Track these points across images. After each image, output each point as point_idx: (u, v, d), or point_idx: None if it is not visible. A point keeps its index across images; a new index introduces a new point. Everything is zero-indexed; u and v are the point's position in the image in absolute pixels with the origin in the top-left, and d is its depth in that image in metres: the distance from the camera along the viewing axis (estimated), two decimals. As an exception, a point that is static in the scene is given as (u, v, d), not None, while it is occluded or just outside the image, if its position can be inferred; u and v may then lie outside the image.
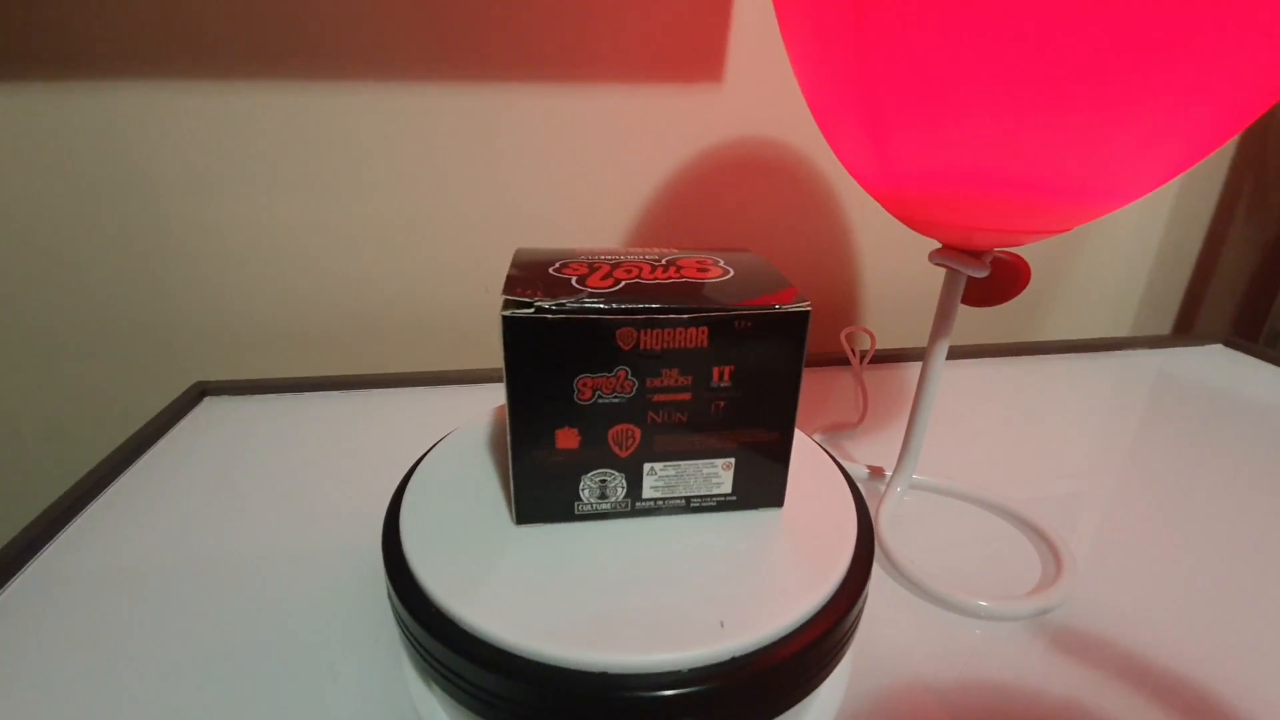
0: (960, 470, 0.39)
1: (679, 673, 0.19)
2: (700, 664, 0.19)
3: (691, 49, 0.50)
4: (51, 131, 0.45)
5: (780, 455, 0.24)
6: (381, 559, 0.23)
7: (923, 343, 0.62)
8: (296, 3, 0.44)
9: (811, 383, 0.51)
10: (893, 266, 0.61)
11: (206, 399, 0.47)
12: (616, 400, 0.22)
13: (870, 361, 0.55)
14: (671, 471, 0.24)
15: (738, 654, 0.19)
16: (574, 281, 0.22)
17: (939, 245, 0.30)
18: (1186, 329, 0.71)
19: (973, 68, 0.21)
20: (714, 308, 0.21)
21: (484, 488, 0.26)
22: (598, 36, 0.49)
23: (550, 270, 0.23)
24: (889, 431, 0.44)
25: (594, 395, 0.22)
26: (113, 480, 0.37)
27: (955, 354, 0.57)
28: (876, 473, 0.38)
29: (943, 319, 0.31)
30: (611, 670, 0.18)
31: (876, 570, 0.31)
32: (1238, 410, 0.49)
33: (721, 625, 0.20)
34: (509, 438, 0.23)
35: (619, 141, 0.52)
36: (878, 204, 0.58)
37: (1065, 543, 0.32)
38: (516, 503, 0.24)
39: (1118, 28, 0.19)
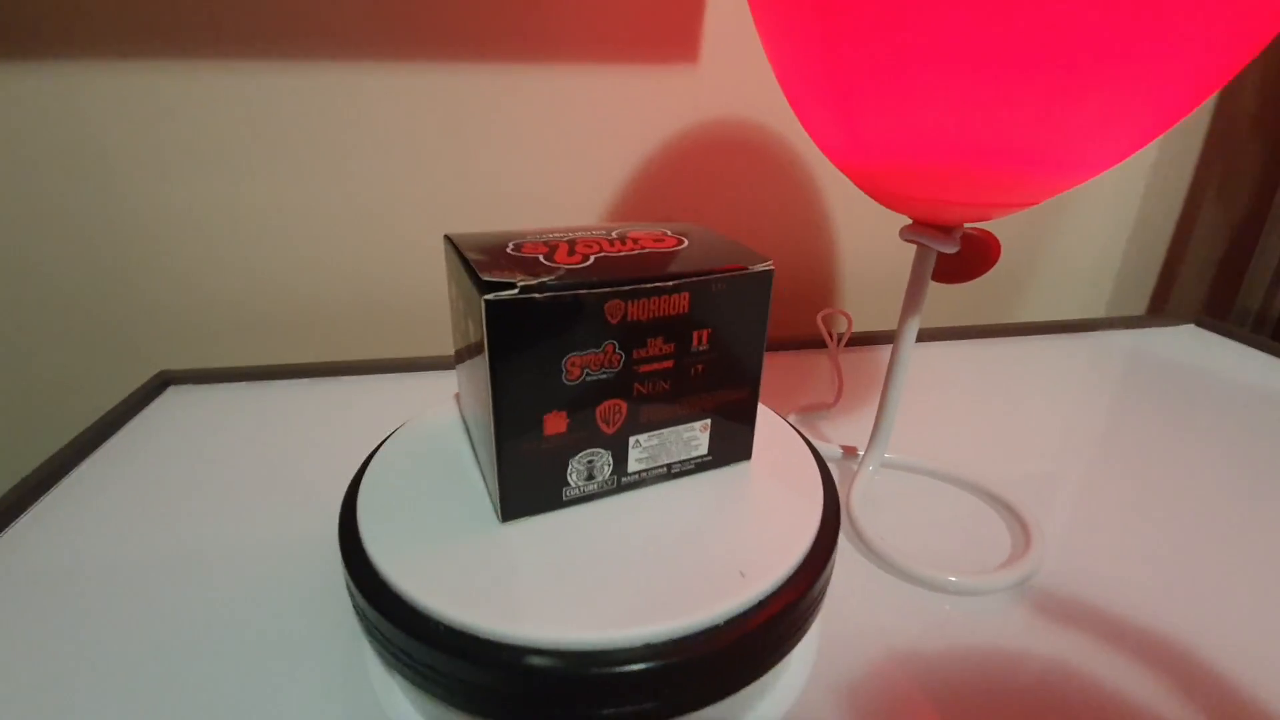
0: (934, 450, 0.39)
1: (640, 648, 0.18)
2: (662, 638, 0.18)
3: (666, 29, 0.49)
4: (4, 111, 0.43)
5: (750, 410, 0.26)
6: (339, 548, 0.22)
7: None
8: (255, -23, 0.43)
9: (788, 365, 0.51)
10: (870, 248, 0.61)
11: (170, 388, 0.46)
12: (604, 376, 0.22)
13: (847, 344, 0.54)
14: (655, 441, 0.24)
15: (699, 628, 0.19)
16: (542, 260, 0.21)
17: (910, 222, 0.30)
18: (1160, 309, 0.72)
19: (937, 34, 0.20)
20: (694, 273, 0.22)
21: (443, 475, 0.25)
22: (572, 17, 0.48)
23: (509, 251, 0.22)
24: (864, 412, 0.44)
25: (582, 374, 0.22)
26: (69, 471, 0.36)
27: (930, 336, 0.57)
28: (850, 452, 0.38)
29: (913, 296, 0.31)
30: (568, 648, 0.18)
31: (848, 549, 0.31)
32: (1209, 388, 0.49)
33: (742, 575, 0.20)
34: (493, 431, 0.21)
35: (594, 123, 0.51)
36: (853, 187, 0.57)
37: (1035, 518, 0.33)
38: (503, 500, 0.22)
39: (1080, -11, 0.18)
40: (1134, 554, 0.32)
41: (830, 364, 0.51)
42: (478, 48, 0.47)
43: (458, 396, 0.31)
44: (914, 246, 0.60)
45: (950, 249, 0.29)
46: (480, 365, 0.21)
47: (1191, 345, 0.57)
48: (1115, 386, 0.49)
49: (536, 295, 0.20)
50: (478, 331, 0.20)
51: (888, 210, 0.59)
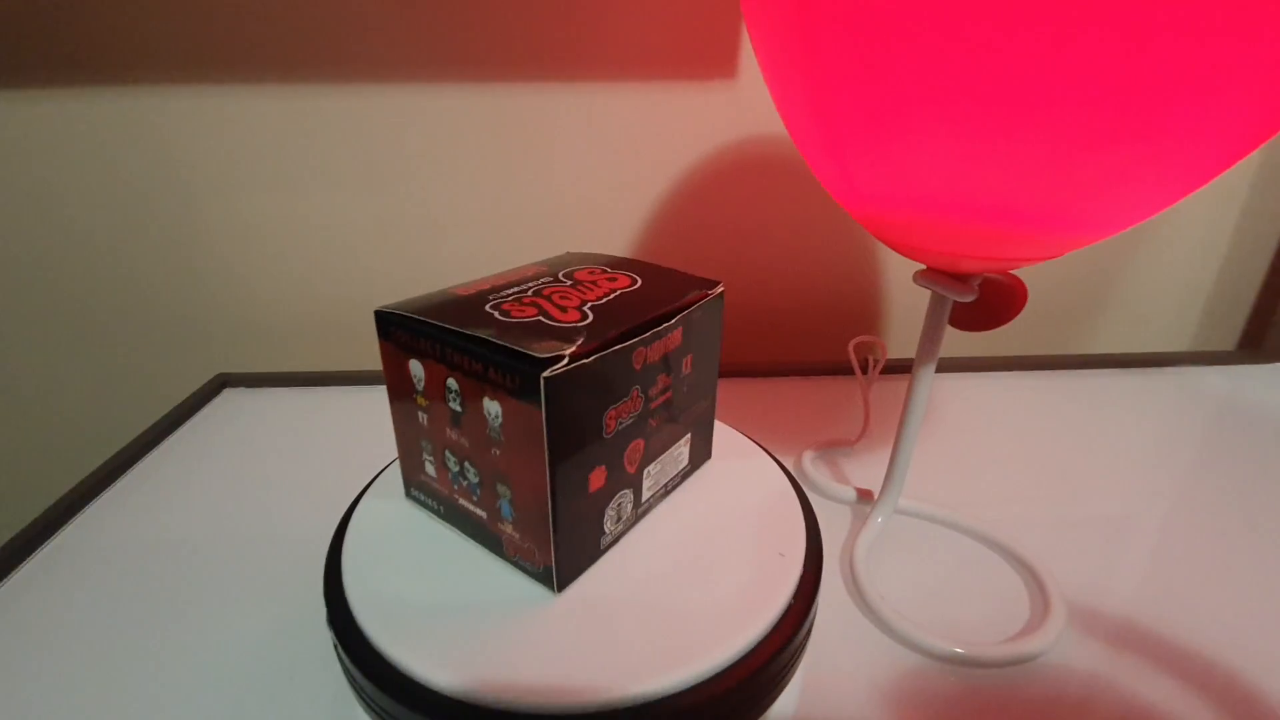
0: (962, 495, 0.37)
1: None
2: (610, 708, 0.18)
3: (704, 45, 0.49)
4: (93, 133, 0.48)
5: (711, 415, 0.29)
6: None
7: (943, 352, 0.59)
8: (318, 9, 0.45)
9: (815, 394, 0.49)
10: (907, 274, 0.58)
11: (226, 390, 0.49)
12: (630, 421, 0.23)
13: (882, 371, 0.52)
14: (659, 467, 0.26)
15: (653, 698, 0.19)
16: (547, 321, 0.21)
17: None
18: (1255, 345, 0.65)
19: (930, 80, 0.19)
20: (682, 307, 0.24)
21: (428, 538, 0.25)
22: (609, 34, 0.48)
23: (501, 318, 0.21)
24: (890, 450, 0.42)
25: (617, 424, 0.22)
26: (130, 466, 0.40)
27: (984, 365, 0.54)
28: (865, 495, 0.36)
29: (928, 343, 0.29)
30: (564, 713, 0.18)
31: (848, 608, 0.30)
32: (1297, 440, 0.44)
33: (781, 555, 0.23)
34: (550, 505, 0.20)
35: (632, 140, 0.51)
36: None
37: (1058, 585, 0.30)
38: (559, 571, 0.22)
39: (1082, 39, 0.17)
40: (1180, 638, 0.29)
41: (859, 396, 0.49)
42: (518, 68, 0.48)
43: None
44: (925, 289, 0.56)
45: (967, 298, 0.27)
46: (518, 450, 0.20)
47: (1286, 387, 0.51)
48: (1196, 430, 0.45)
49: (587, 360, 0.20)
50: (515, 417, 0.20)
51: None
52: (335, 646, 0.21)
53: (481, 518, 0.23)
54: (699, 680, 0.19)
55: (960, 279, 0.27)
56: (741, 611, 0.21)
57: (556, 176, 0.52)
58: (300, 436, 0.43)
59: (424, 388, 0.22)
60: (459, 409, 0.21)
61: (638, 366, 0.22)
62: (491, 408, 0.20)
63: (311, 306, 0.55)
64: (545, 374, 0.18)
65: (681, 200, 0.54)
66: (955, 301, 0.28)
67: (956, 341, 0.61)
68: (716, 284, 0.26)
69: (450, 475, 0.24)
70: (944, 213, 0.22)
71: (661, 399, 0.24)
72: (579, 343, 0.19)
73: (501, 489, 0.22)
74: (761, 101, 0.51)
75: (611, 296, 0.23)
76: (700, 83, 0.50)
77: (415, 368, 0.22)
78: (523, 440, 0.20)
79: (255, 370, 0.54)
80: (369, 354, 0.57)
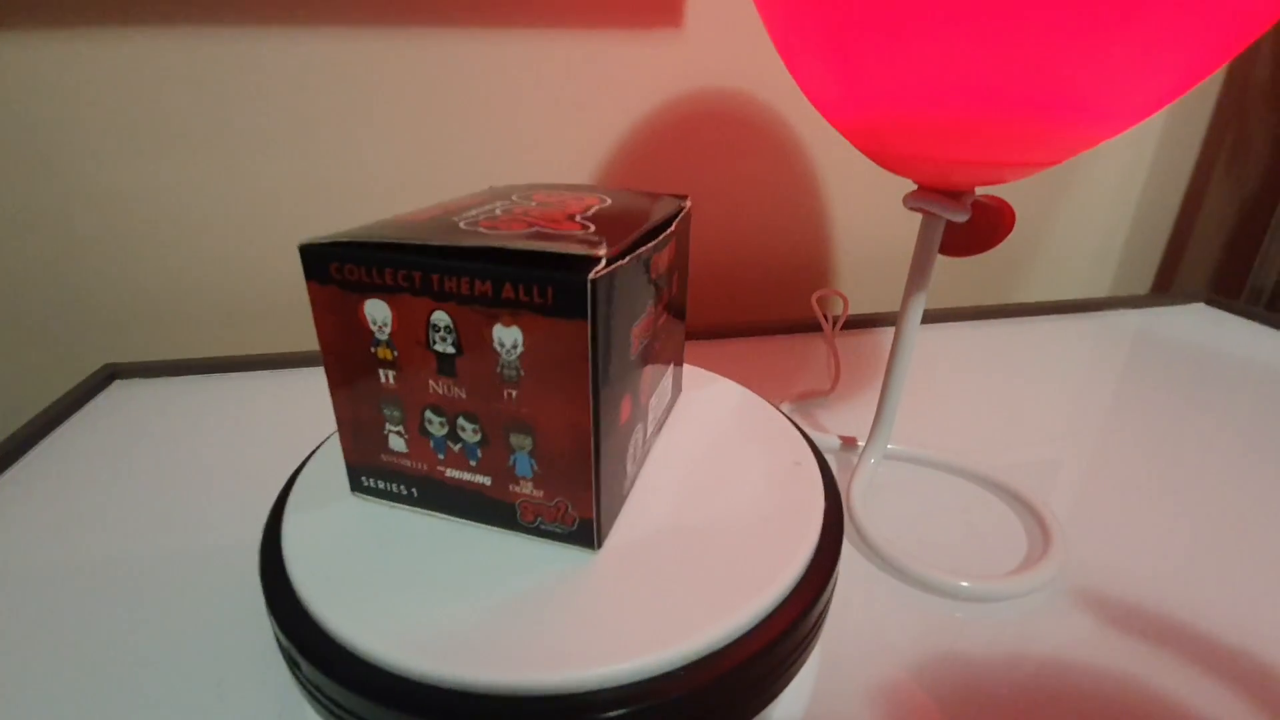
0: (937, 439, 0.37)
1: (610, 691, 0.15)
2: (640, 677, 0.16)
3: (647, -11, 0.46)
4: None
5: (683, 343, 0.27)
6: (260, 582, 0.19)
7: (898, 307, 0.60)
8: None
9: (781, 350, 0.48)
10: (865, 227, 0.58)
11: (116, 382, 0.43)
12: (646, 341, 0.20)
13: (842, 327, 0.52)
14: (656, 399, 0.23)
15: (681, 663, 0.16)
16: (548, 231, 0.18)
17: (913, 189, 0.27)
18: (1165, 288, 0.69)
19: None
20: (671, 217, 0.22)
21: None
22: (543, -26, 0.44)
23: (489, 232, 0.18)
24: (863, 399, 0.41)
25: (640, 343, 0.20)
26: (8, 466, 0.33)
27: (929, 318, 0.54)
28: (849, 443, 0.35)
29: (919, 270, 0.28)
30: (529, 692, 0.15)
31: (849, 551, 0.29)
32: (1222, 368, 0.47)
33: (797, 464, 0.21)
34: (594, 443, 0.17)
35: (573, 91, 0.48)
36: (849, 159, 0.54)
37: (1054, 514, 0.30)
38: (600, 523, 0.19)
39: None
40: (1158, 546, 0.29)
41: (826, 348, 0.48)
42: (452, 12, 0.44)
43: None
44: (917, 220, 0.57)
45: (960, 217, 0.26)
46: (548, 382, 0.17)
47: (1202, 324, 0.55)
48: (1125, 367, 0.47)
49: (622, 262, 0.17)
50: (546, 340, 0.16)
51: (885, 186, 0.56)
52: (299, 670, 0.17)
53: (482, 485, 0.19)
54: (764, 615, 0.17)
55: (954, 196, 0.26)
56: (786, 531, 0.20)
57: (493, 131, 0.48)
58: (204, 430, 0.37)
59: (389, 335, 0.18)
60: (453, 350, 0.18)
61: (653, 276, 0.20)
62: (507, 337, 0.17)
63: (204, 286, 0.48)
64: (592, 276, 0.15)
65: (627, 155, 0.51)
66: (947, 224, 0.27)
67: (896, 295, 0.61)
68: (686, 198, 0.24)
69: (434, 442, 0.19)
70: (952, 106, 0.21)
71: (661, 319, 0.22)
72: (604, 246, 0.16)
73: (518, 440, 0.18)
74: (709, 52, 0.49)
75: (592, 211, 0.20)
76: (645, 31, 0.47)
77: (376, 310, 0.18)
78: (555, 368, 0.17)
79: (146, 359, 0.47)
80: (275, 336, 0.51)
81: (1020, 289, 0.66)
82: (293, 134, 0.45)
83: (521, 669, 0.15)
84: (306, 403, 0.40)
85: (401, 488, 0.21)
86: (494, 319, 0.17)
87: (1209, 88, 0.62)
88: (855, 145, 0.26)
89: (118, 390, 0.42)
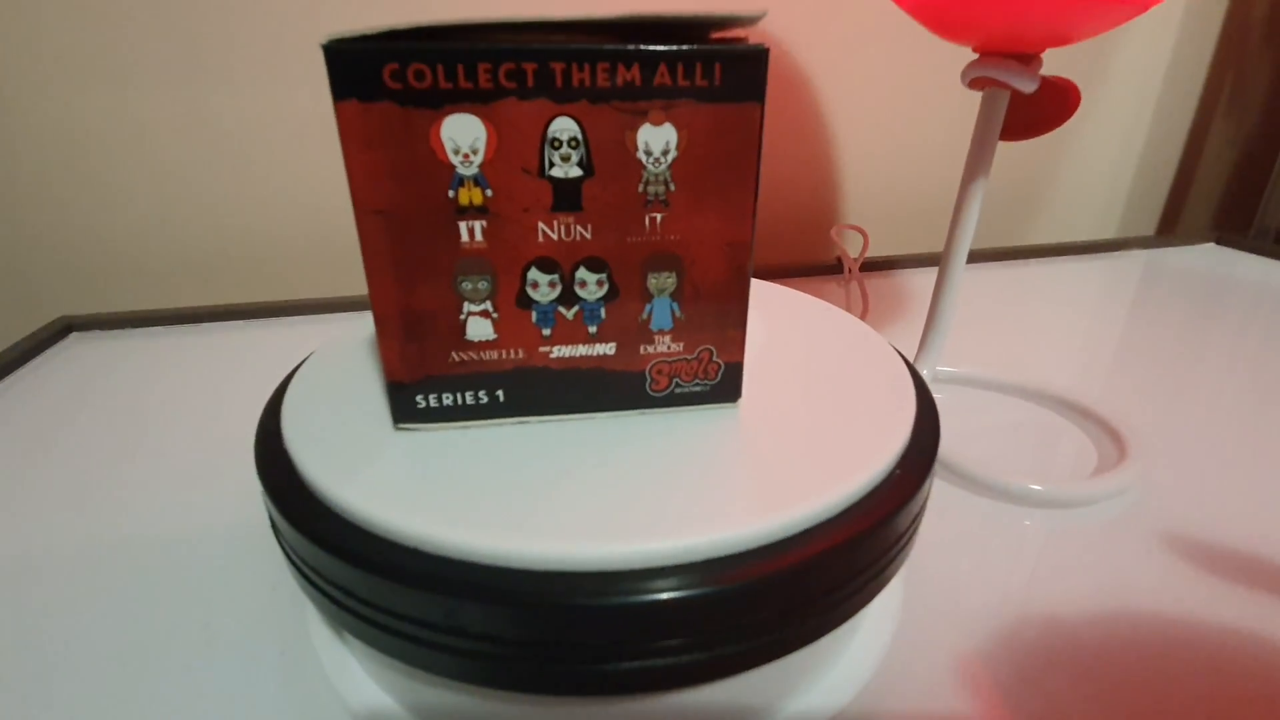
0: (978, 363, 0.34)
1: (674, 568, 0.12)
2: (715, 554, 0.12)
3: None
4: None
5: None
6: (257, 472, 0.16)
7: (913, 249, 0.57)
8: None
9: (799, 290, 0.45)
10: (876, 165, 0.56)
11: (73, 334, 0.38)
12: None
13: (860, 269, 0.49)
14: None
15: (757, 544, 0.13)
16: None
17: (962, 80, 0.24)
18: (1170, 229, 0.68)
19: None
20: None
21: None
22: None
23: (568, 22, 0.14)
24: (892, 332, 0.39)
25: None
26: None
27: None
28: (891, 365, 0.32)
29: (980, 153, 0.25)
30: (579, 568, 0.12)
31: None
32: (1241, 298, 0.45)
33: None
34: (749, 264, 0.15)
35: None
36: (863, 91, 0.51)
37: (1128, 424, 0.28)
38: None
39: None
40: (1223, 458, 0.27)
41: (847, 282, 0.45)
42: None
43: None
44: (930, 160, 0.54)
45: (1030, 86, 0.23)
46: (709, 190, 0.14)
47: (1214, 261, 0.53)
48: (1141, 305, 0.45)
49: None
50: (711, 134, 0.13)
51: (896, 124, 0.54)
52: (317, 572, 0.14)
53: (603, 359, 0.15)
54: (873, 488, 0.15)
55: (1025, 60, 0.23)
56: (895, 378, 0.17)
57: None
58: (168, 386, 0.33)
59: (480, 167, 0.13)
60: (578, 172, 0.13)
61: None
62: (656, 141, 0.13)
63: (167, 232, 0.44)
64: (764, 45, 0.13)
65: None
66: (1011, 100, 0.25)
67: (913, 237, 0.59)
68: None
69: (537, 314, 0.15)
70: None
71: None
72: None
73: (658, 281, 0.15)
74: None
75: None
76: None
77: (461, 131, 0.13)
78: (717, 173, 0.14)
79: (104, 311, 0.42)
80: (244, 286, 0.46)
81: (1028, 232, 0.64)
82: (264, 69, 0.41)
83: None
84: (279, 356, 0.36)
85: (481, 395, 0.15)
86: (640, 118, 0.13)
87: (1209, 26, 0.61)
88: (912, 14, 0.23)
89: (74, 344, 0.37)
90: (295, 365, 0.21)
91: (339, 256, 0.47)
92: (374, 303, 0.14)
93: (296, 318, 0.41)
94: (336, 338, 0.21)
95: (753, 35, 0.14)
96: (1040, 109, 0.25)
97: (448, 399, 0.15)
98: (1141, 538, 0.22)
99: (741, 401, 0.17)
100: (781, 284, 0.46)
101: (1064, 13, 0.21)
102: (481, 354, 0.15)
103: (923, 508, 0.16)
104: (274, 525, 0.15)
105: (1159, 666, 0.18)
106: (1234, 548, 0.22)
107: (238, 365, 0.35)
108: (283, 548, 0.15)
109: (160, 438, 0.28)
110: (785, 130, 0.52)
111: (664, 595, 0.12)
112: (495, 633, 0.12)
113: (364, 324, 0.21)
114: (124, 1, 0.38)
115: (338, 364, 0.19)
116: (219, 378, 0.33)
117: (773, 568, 0.12)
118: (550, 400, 0.16)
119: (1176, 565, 0.21)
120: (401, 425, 0.16)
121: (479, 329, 0.15)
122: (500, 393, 0.15)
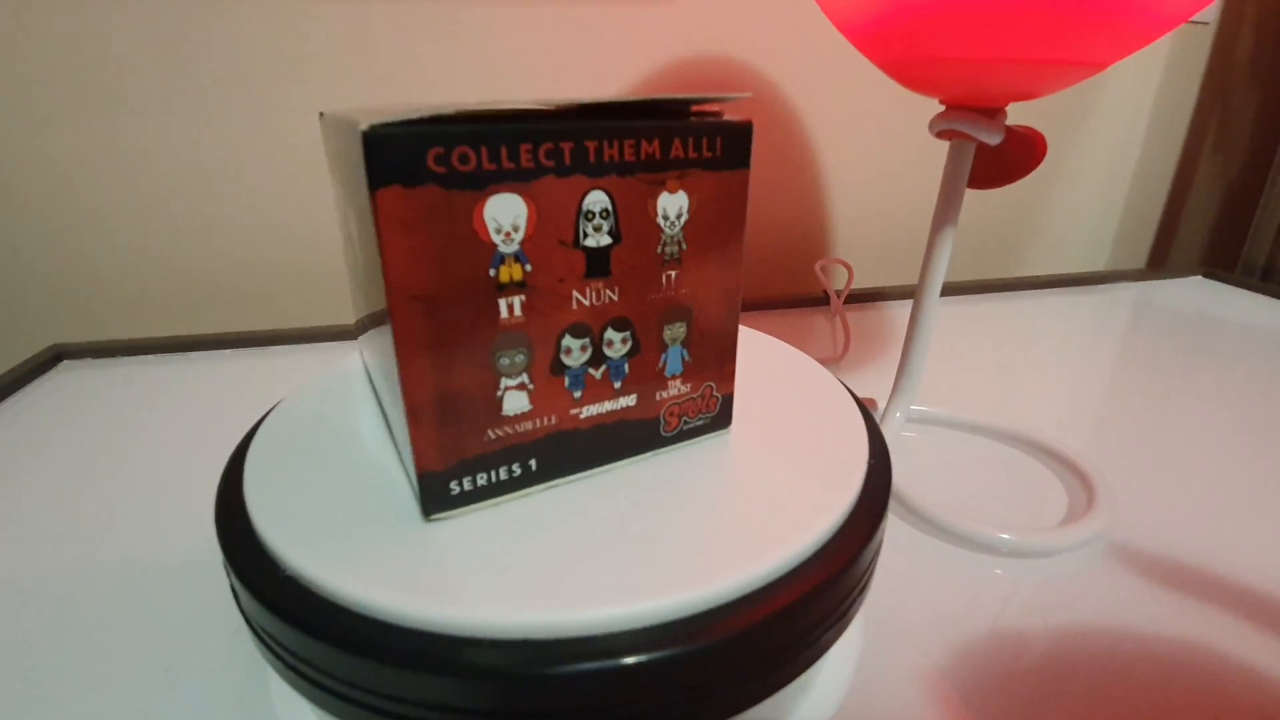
0: (955, 402, 0.35)
1: (630, 634, 0.12)
2: (666, 619, 0.13)
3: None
4: None
5: None
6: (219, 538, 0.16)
7: (898, 281, 0.58)
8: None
9: (786, 323, 0.45)
10: (862, 202, 0.56)
11: (64, 363, 0.39)
12: None
13: (845, 301, 0.50)
14: None
15: (710, 606, 0.13)
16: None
17: (931, 137, 0.25)
18: (1160, 264, 0.69)
19: None
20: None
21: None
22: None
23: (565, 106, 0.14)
24: (873, 367, 0.39)
25: None
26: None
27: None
28: (869, 404, 0.33)
29: (947, 203, 0.26)
30: (539, 636, 0.12)
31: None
32: (1227, 334, 0.46)
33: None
34: (739, 304, 0.17)
35: (564, 59, 0.46)
36: (846, 130, 0.52)
37: (1096, 468, 0.28)
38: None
39: None
40: (1197, 504, 0.27)
41: (833, 316, 0.46)
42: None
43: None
44: (915, 193, 0.55)
45: (994, 138, 0.24)
46: (711, 246, 0.16)
47: (1201, 296, 0.54)
48: (1130, 338, 0.45)
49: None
50: (713, 199, 0.15)
51: (880, 161, 0.55)
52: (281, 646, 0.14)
53: (625, 411, 0.16)
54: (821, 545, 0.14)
55: (988, 115, 0.24)
56: (833, 466, 0.17)
57: (482, 98, 0.45)
58: (158, 414, 0.33)
59: (521, 244, 0.13)
60: (608, 240, 0.14)
61: None
62: (672, 206, 0.15)
63: (157, 261, 0.45)
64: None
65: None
66: (977, 151, 0.25)
67: (898, 269, 0.59)
68: None
69: (569, 378, 0.15)
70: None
71: None
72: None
73: (672, 332, 0.16)
74: (701, 20, 0.47)
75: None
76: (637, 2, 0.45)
77: (503, 210, 0.13)
78: (717, 230, 0.16)
79: (95, 339, 0.43)
80: (234, 315, 0.47)
81: (1016, 267, 0.65)
82: (252, 97, 0.42)
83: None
84: (268, 385, 0.36)
85: (514, 469, 0.15)
86: (659, 187, 0.14)
87: (1195, 63, 0.62)
88: (880, 59, 0.24)
89: (65, 372, 0.38)
90: (260, 416, 0.21)
91: (328, 285, 0.47)
92: (407, 392, 0.13)
93: (285, 346, 0.41)
94: (302, 386, 0.21)
95: (727, 109, 0.16)
96: (1007, 159, 0.26)
97: (481, 479, 0.15)
98: (1102, 587, 0.23)
99: (691, 457, 0.17)
100: (769, 316, 0.47)
101: (1019, 76, 0.22)
102: (515, 428, 0.15)
103: (871, 564, 0.16)
104: (235, 594, 0.15)
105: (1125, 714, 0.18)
106: (1196, 597, 0.22)
107: (227, 393, 0.35)
108: (248, 623, 0.15)
109: (148, 467, 0.29)
110: (775, 166, 0.53)
111: (590, 666, 0.12)
112: (431, 700, 0.12)
113: (337, 362, 0.22)
114: (114, 33, 0.39)
115: (303, 415, 0.19)
116: (209, 406, 0.34)
117: (704, 638, 0.12)
118: (577, 460, 0.16)
119: (1136, 614, 0.21)
120: (434, 517, 0.15)
121: (515, 403, 0.15)
122: (533, 462, 0.15)
